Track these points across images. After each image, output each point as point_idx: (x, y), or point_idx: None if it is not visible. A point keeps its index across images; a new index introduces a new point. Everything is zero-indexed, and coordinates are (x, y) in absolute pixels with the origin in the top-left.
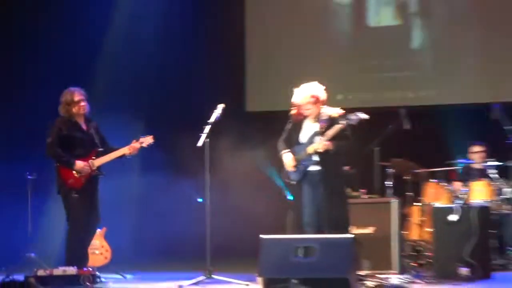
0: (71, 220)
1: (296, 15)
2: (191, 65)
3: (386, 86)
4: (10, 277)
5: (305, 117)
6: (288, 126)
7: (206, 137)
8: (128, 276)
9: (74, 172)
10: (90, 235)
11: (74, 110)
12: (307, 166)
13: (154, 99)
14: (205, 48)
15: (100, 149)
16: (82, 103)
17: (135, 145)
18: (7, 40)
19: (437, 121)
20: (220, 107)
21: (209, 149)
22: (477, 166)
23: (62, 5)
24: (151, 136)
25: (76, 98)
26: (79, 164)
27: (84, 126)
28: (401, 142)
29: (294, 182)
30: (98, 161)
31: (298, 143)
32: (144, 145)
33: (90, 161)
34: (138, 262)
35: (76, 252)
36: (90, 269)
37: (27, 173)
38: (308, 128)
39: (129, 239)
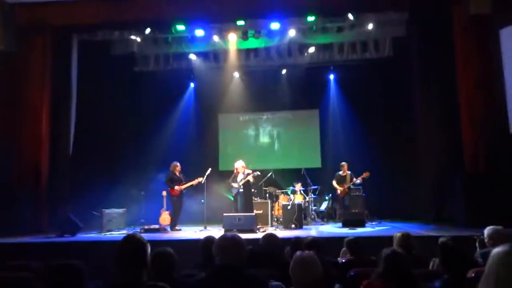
0: (173, 209)
1: (236, 135)
2: (195, 149)
3: (265, 160)
4: (134, 230)
5: (238, 172)
6: (233, 175)
7: (205, 179)
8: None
9: (175, 189)
10: (180, 213)
11: (174, 169)
12: (239, 189)
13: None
14: (201, 141)
15: (183, 182)
16: (176, 167)
17: (197, 181)
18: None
19: (283, 173)
20: (209, 169)
21: (206, 182)
22: (297, 189)
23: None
24: (202, 178)
25: (173, 165)
26: (177, 187)
27: (178, 174)
28: (271, 179)
29: (234, 194)
30: (183, 187)
31: (236, 181)
32: (201, 181)
33: (180, 186)
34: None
35: (175, 219)
36: (162, 225)
37: (142, 191)
38: (239, 176)
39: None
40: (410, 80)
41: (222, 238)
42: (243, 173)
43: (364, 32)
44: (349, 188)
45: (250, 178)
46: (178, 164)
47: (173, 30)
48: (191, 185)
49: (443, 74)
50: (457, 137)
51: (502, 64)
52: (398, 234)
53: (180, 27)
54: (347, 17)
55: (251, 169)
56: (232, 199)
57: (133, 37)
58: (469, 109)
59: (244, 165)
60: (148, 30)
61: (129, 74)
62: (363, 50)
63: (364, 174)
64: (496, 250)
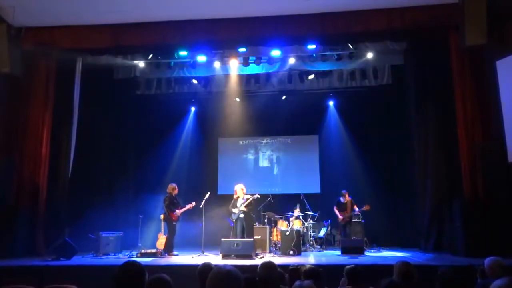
0: (169, 233)
1: (236, 159)
2: (194, 172)
3: (264, 185)
4: (130, 253)
5: (238, 197)
6: (233, 200)
7: (204, 203)
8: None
9: (174, 213)
10: (175, 236)
11: (173, 192)
12: (239, 214)
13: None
14: (201, 165)
15: (181, 206)
16: (174, 190)
17: (191, 205)
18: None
19: (282, 198)
20: (208, 193)
21: (204, 206)
22: (295, 214)
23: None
24: (195, 203)
25: (172, 186)
26: (177, 211)
27: (174, 197)
28: (270, 205)
29: (234, 219)
30: (181, 211)
31: (236, 206)
32: (194, 205)
33: (178, 210)
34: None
35: (169, 243)
36: (159, 249)
37: (140, 215)
38: (239, 201)
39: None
40: (409, 107)
41: (215, 277)
42: (243, 198)
43: (363, 61)
44: (350, 216)
45: (249, 201)
46: (176, 186)
47: (175, 56)
48: (187, 210)
49: (441, 103)
50: (455, 166)
51: (499, 94)
52: (399, 263)
53: (183, 53)
54: (347, 46)
55: (250, 194)
56: (232, 225)
57: (136, 61)
58: (468, 138)
59: (244, 189)
60: (150, 55)
61: (131, 98)
62: (362, 77)
63: (364, 207)
64: (496, 283)
